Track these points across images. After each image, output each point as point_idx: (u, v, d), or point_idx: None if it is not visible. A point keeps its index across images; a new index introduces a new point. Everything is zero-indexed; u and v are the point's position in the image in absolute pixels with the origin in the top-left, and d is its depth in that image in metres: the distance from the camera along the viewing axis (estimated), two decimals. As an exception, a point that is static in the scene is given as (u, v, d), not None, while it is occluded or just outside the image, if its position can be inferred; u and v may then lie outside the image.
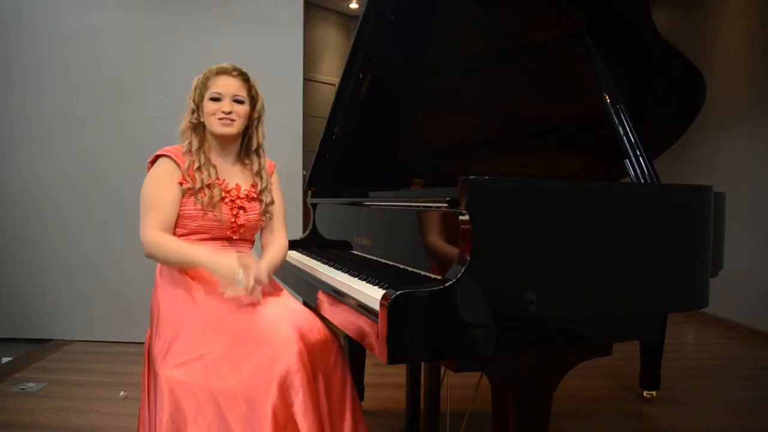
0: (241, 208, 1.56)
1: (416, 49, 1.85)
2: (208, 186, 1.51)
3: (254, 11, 3.43)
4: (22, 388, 2.61)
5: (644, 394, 2.57)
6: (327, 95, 5.52)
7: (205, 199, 1.50)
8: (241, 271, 1.38)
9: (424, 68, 1.94)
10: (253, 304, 1.42)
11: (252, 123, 1.61)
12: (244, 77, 1.57)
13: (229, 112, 1.52)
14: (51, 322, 3.46)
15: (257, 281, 1.40)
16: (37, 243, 3.44)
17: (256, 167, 1.62)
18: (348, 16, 6.07)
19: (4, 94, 3.42)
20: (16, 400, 2.49)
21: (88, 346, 3.38)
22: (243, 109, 1.55)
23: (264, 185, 1.62)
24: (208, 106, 1.53)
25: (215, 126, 1.53)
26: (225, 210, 1.54)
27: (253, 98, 1.58)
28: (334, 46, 6.04)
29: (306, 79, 3.77)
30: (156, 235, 1.46)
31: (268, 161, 1.67)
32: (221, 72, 1.54)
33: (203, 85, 1.54)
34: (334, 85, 5.28)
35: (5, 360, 3.08)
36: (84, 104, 3.40)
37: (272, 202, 1.63)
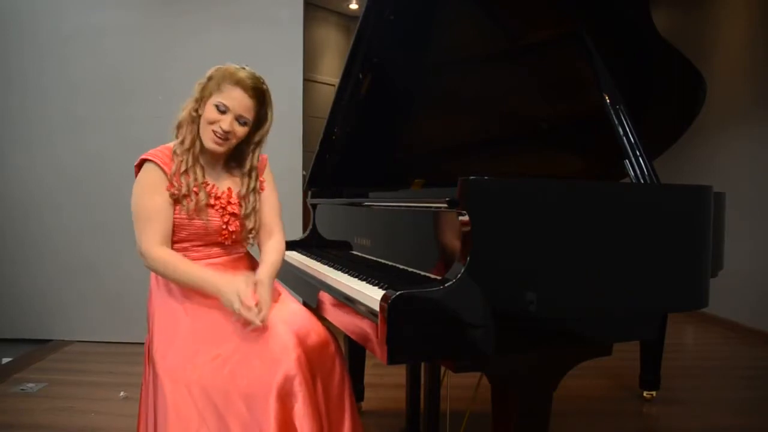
0: (232, 214, 1.49)
1: (416, 49, 1.85)
2: (194, 191, 1.43)
3: (254, 11, 3.43)
4: (22, 389, 2.61)
5: (644, 394, 2.57)
6: (327, 95, 5.51)
7: (191, 205, 1.43)
8: (239, 307, 1.31)
9: (424, 68, 1.94)
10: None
11: (249, 143, 1.50)
12: (260, 98, 1.44)
13: (227, 132, 1.42)
14: (51, 323, 3.46)
15: (262, 305, 1.33)
16: (37, 243, 3.44)
17: (246, 169, 1.52)
18: (348, 16, 6.07)
19: (4, 94, 3.41)
20: (16, 400, 2.49)
21: (87, 347, 3.38)
22: (243, 131, 1.45)
23: (251, 186, 1.51)
24: (210, 111, 1.42)
25: (207, 138, 1.43)
26: (214, 217, 1.46)
27: (259, 120, 1.48)
28: (334, 46, 6.04)
29: (306, 79, 3.77)
30: (160, 251, 1.40)
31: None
32: (238, 83, 1.41)
33: (216, 85, 1.42)
34: (334, 85, 5.27)
35: (5, 360, 3.09)
36: (84, 104, 3.40)
37: (252, 211, 1.52)
